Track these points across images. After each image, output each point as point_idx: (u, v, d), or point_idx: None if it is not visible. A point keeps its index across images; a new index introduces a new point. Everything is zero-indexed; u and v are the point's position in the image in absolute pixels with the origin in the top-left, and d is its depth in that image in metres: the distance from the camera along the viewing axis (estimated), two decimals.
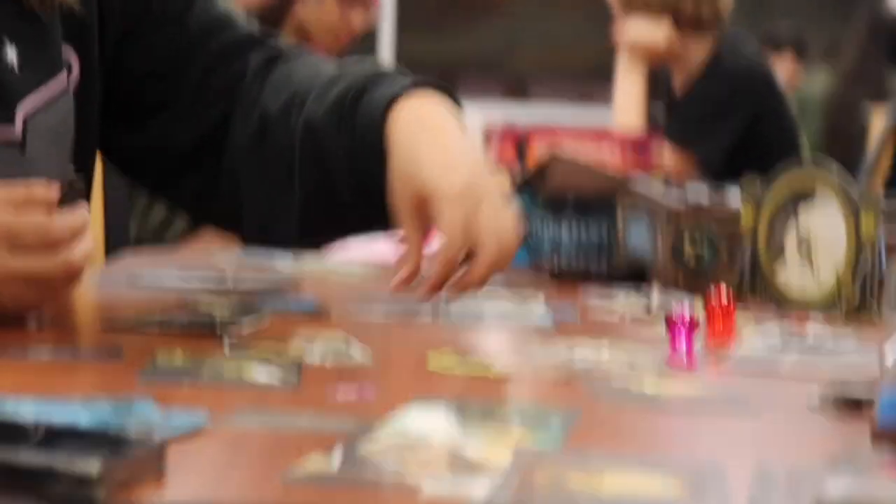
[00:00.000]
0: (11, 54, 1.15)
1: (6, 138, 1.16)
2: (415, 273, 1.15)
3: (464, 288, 1.15)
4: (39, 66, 1.18)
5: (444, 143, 1.14)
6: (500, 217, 1.13)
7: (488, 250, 1.12)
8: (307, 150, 1.21)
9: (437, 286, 1.15)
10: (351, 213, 1.23)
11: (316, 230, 1.27)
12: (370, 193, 1.17)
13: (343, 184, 1.20)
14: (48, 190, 1.04)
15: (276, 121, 1.23)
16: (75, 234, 1.05)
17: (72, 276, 1.06)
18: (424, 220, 1.14)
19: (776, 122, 3.20)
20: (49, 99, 1.18)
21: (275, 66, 1.28)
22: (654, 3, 3.21)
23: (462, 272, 1.14)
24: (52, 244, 1.04)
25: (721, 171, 3.07)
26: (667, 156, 3.05)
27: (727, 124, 3.14)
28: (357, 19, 3.20)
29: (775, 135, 3.19)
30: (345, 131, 1.18)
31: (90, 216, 1.08)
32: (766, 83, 3.22)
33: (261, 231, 1.28)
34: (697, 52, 3.22)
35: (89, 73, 1.23)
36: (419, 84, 1.18)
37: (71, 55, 1.22)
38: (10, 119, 1.15)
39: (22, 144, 1.16)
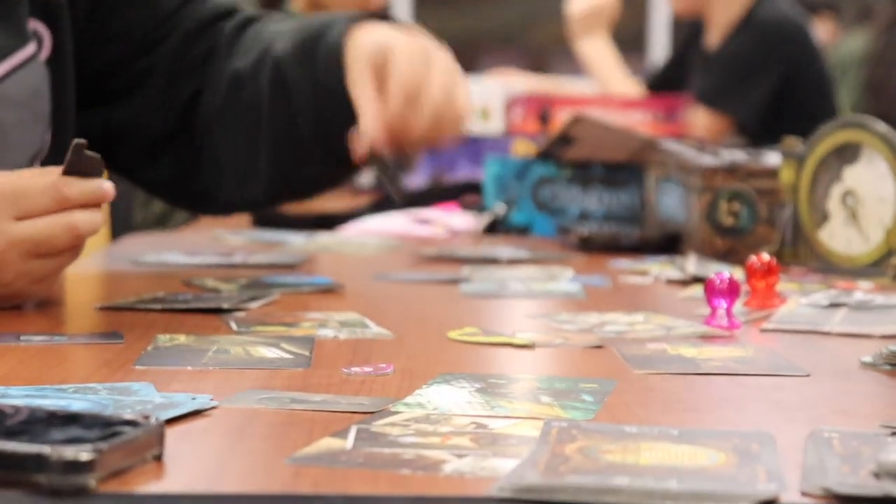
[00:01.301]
0: None
1: None
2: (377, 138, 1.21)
3: (408, 143, 1.21)
4: (4, 41, 1.18)
5: (398, 34, 1.24)
6: (452, 78, 1.21)
7: (436, 102, 1.19)
8: (276, 90, 1.28)
9: (385, 140, 1.20)
10: (313, 158, 1.29)
11: (283, 181, 1.32)
12: (330, 133, 1.25)
13: (306, 121, 1.27)
14: (52, 179, 1.03)
15: (249, 76, 1.29)
16: (86, 197, 1.03)
17: (76, 245, 1.04)
18: (381, 83, 1.21)
19: (813, 78, 3.13)
20: (16, 64, 1.19)
21: (244, 30, 1.33)
22: None
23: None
24: (61, 201, 1.02)
25: (757, 132, 3.01)
26: (699, 118, 2.99)
27: (762, 81, 3.06)
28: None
29: (812, 93, 3.12)
30: (308, 65, 1.26)
31: (110, 192, 1.04)
32: (802, 36, 3.14)
33: (238, 189, 1.32)
34: (732, 3, 3.13)
35: (61, 45, 1.24)
36: (370, 18, 1.28)
37: (41, 29, 1.23)
38: None
39: None
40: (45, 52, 1.23)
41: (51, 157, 1.22)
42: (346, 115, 1.22)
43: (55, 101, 1.23)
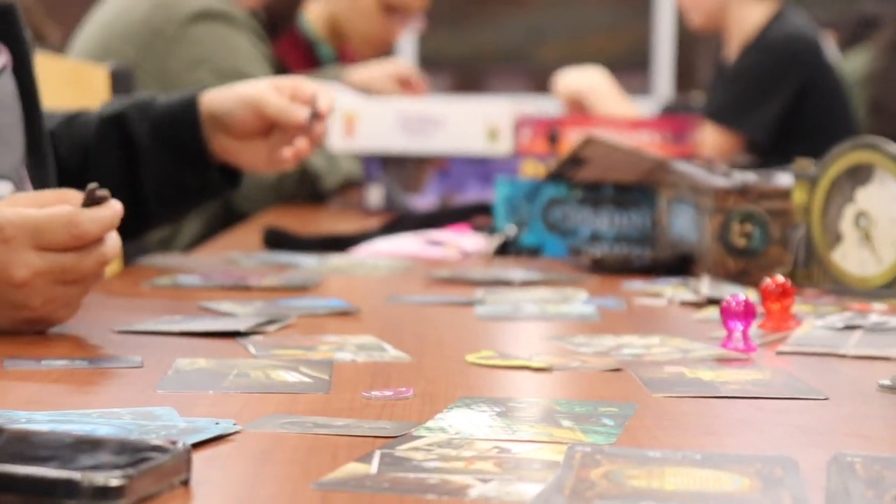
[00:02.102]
0: None
1: None
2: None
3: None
4: None
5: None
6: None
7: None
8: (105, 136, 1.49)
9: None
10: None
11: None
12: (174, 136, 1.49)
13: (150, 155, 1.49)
14: (75, 193, 1.06)
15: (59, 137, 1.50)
16: (104, 227, 1.05)
17: (100, 270, 1.06)
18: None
19: (826, 94, 3.13)
20: (0, 68, 1.27)
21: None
22: None
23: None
24: (80, 237, 1.04)
25: (769, 149, 3.01)
26: (709, 135, 2.99)
27: (774, 98, 3.06)
28: (398, 32, 3.17)
29: (825, 110, 3.11)
30: (145, 113, 1.50)
31: (119, 210, 1.07)
32: (814, 53, 3.14)
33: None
34: (752, 17, 3.14)
35: (21, 55, 1.31)
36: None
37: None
38: None
39: None
40: (7, 62, 1.29)
41: (30, 159, 1.31)
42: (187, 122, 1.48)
43: (25, 106, 1.30)
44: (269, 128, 1.51)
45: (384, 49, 3.19)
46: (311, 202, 2.55)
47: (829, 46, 3.51)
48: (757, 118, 3.05)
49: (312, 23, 3.19)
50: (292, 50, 3.01)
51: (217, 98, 1.50)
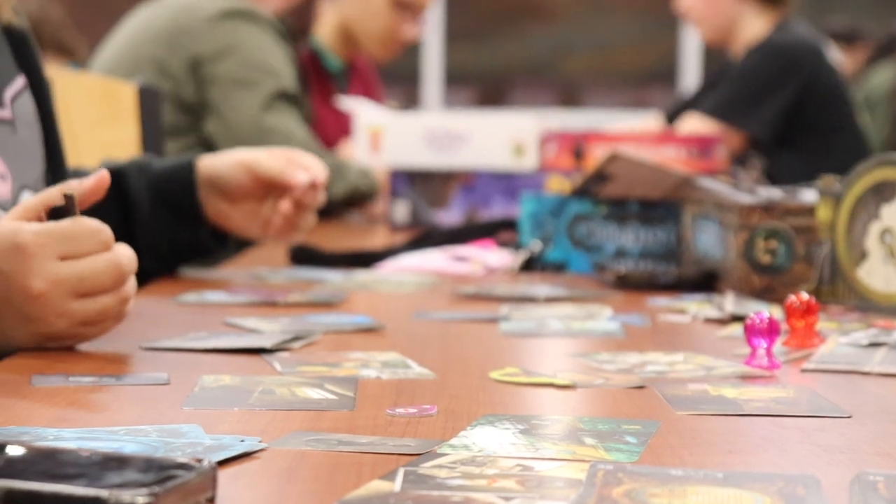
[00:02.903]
0: None
1: (2, 118, 1.26)
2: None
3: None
4: (5, 65, 1.30)
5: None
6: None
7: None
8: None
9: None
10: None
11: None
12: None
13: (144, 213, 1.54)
14: (100, 224, 1.08)
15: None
16: (133, 263, 1.10)
17: (121, 281, 1.09)
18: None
19: (829, 99, 3.16)
20: (19, 90, 1.30)
21: None
22: None
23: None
24: (122, 279, 1.08)
25: (770, 149, 3.05)
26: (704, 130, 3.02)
27: (775, 96, 3.10)
28: (409, 30, 3.19)
29: (828, 114, 3.15)
30: (144, 171, 1.55)
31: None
32: (816, 57, 3.18)
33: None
34: (757, 27, 3.19)
35: (35, 77, 1.35)
36: None
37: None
38: (1, 102, 1.27)
39: (12, 125, 1.28)
40: (25, 84, 1.33)
41: (48, 179, 1.34)
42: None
43: (43, 127, 1.34)
44: (264, 194, 1.56)
45: (395, 48, 3.22)
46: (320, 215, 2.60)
47: (833, 54, 3.53)
48: (758, 116, 3.09)
49: (321, 35, 3.22)
50: (301, 61, 3.04)
51: (214, 162, 1.56)
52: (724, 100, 3.13)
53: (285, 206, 1.57)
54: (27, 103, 1.32)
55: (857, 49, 5.45)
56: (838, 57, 4.25)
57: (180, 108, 2.58)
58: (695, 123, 3.08)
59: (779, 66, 3.12)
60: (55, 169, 1.35)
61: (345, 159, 2.62)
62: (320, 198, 1.58)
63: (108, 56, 2.68)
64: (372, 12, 3.16)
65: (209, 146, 2.57)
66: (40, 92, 1.36)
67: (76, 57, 3.75)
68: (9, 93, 1.29)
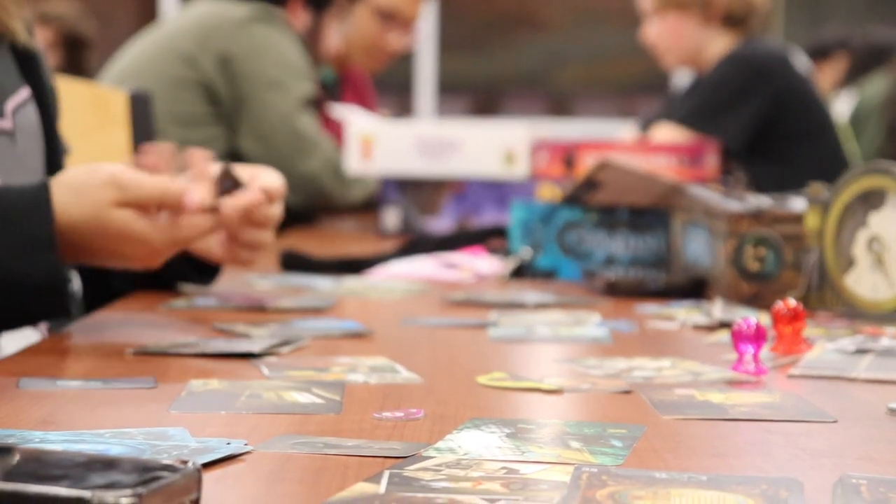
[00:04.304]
0: None
1: (1, 128, 1.28)
2: None
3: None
4: (9, 76, 1.32)
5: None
6: None
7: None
8: None
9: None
10: None
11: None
12: None
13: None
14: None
15: None
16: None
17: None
18: None
19: (802, 106, 3.18)
20: (22, 101, 1.32)
21: None
22: (687, 0, 3.21)
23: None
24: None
25: (745, 155, 3.06)
26: (676, 138, 3.02)
27: (745, 104, 3.12)
28: (395, 41, 3.21)
29: (802, 122, 3.16)
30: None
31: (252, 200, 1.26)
32: (784, 64, 3.21)
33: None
34: (720, 46, 3.21)
35: (41, 90, 1.36)
36: None
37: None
38: (1, 112, 1.28)
39: (12, 136, 1.29)
40: (29, 96, 1.34)
41: None
42: None
43: (46, 138, 1.36)
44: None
45: (383, 60, 3.26)
46: (327, 216, 2.61)
47: (800, 62, 3.55)
48: (728, 124, 3.10)
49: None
50: None
51: None
52: (695, 108, 3.15)
53: (250, 234, 1.40)
54: (30, 114, 1.33)
55: (837, 61, 5.47)
56: (810, 68, 4.28)
57: (208, 100, 2.62)
58: (667, 133, 3.09)
59: (746, 75, 3.15)
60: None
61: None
62: (276, 211, 1.40)
63: (126, 64, 2.72)
64: (357, 24, 3.19)
65: (230, 140, 2.62)
66: (45, 103, 1.36)
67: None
68: (11, 104, 1.30)
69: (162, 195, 1.22)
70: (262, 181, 1.36)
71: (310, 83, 2.68)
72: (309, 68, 2.71)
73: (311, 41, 2.86)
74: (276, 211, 1.39)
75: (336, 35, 3.17)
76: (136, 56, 2.73)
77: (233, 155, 2.56)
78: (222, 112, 2.64)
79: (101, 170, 1.22)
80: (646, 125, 3.41)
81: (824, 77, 5.26)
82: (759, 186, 2.71)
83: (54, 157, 1.38)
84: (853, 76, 5.28)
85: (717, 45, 3.22)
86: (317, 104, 2.70)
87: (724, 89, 3.14)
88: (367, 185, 2.68)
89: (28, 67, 1.35)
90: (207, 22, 2.68)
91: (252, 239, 1.40)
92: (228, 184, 1.31)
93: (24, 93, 1.33)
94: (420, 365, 1.06)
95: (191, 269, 1.48)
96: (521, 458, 0.76)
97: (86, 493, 0.61)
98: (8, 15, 1.32)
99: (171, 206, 1.23)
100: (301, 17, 2.81)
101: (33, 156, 1.33)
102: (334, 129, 3.12)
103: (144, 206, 1.22)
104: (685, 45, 3.26)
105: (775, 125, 3.14)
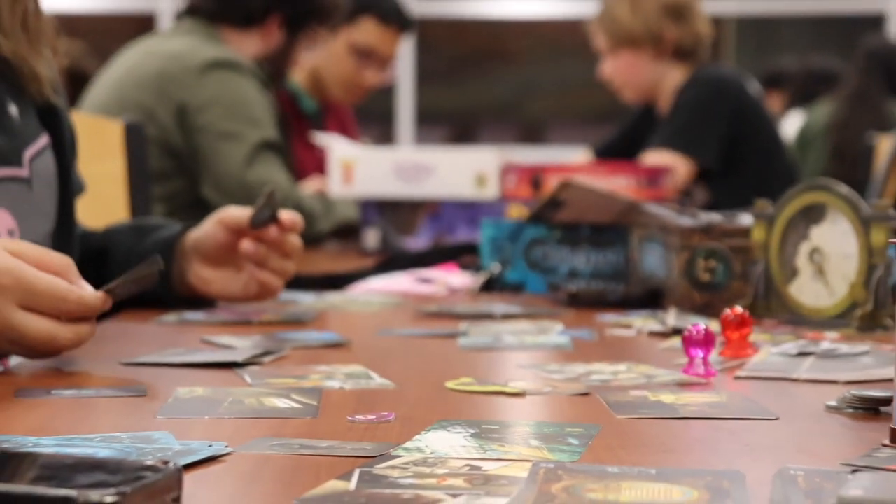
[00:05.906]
0: (14, 110, 1.27)
1: (19, 176, 1.25)
2: None
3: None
4: (29, 125, 1.28)
5: None
6: None
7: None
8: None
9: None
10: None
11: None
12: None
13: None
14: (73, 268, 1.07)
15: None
16: (90, 311, 1.06)
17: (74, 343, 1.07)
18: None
19: (756, 127, 3.19)
20: (40, 149, 1.29)
21: None
22: (639, 37, 3.21)
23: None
24: (66, 313, 1.05)
25: (719, 173, 3.07)
26: (674, 163, 3.02)
27: (716, 124, 3.13)
28: (371, 77, 3.20)
29: (758, 140, 3.18)
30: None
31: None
32: (741, 87, 3.22)
33: None
34: (675, 78, 3.22)
35: (60, 139, 1.33)
36: None
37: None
38: (20, 161, 1.25)
39: (29, 183, 1.26)
40: (48, 142, 1.31)
41: (56, 234, 1.32)
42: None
43: (60, 184, 1.32)
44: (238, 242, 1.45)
45: (358, 93, 3.25)
46: (307, 245, 2.58)
47: (753, 86, 3.58)
48: (706, 143, 3.10)
49: (297, 79, 3.22)
50: (280, 103, 3.04)
51: (197, 229, 1.47)
52: (676, 130, 3.14)
53: (265, 276, 1.45)
54: (47, 161, 1.29)
55: (785, 88, 5.51)
56: (761, 93, 4.31)
57: (168, 153, 2.55)
58: (655, 157, 3.08)
59: (709, 95, 3.15)
60: (63, 226, 1.33)
61: (329, 196, 2.61)
62: (295, 242, 1.45)
63: (96, 97, 2.65)
64: (335, 59, 3.18)
65: (195, 191, 2.55)
66: (62, 151, 1.33)
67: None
68: (29, 152, 1.26)
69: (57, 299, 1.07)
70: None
71: (264, 128, 2.57)
72: (266, 109, 2.62)
73: (279, 60, 2.80)
74: (299, 242, 1.46)
75: (305, 58, 3.15)
76: (102, 101, 2.63)
77: (198, 205, 2.50)
78: (183, 164, 2.57)
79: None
80: (599, 151, 3.42)
81: (773, 103, 5.29)
82: (720, 204, 2.72)
83: (66, 204, 1.34)
84: (798, 102, 5.32)
85: (672, 77, 3.23)
86: (277, 147, 2.61)
87: (697, 110, 3.14)
88: (334, 216, 2.61)
89: (49, 116, 1.32)
90: (168, 71, 2.56)
91: (279, 267, 1.44)
92: (266, 214, 1.33)
93: (43, 140, 1.29)
94: (393, 372, 1.06)
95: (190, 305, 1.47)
96: (483, 456, 0.76)
97: (71, 493, 0.60)
98: (40, 84, 1.28)
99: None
100: (275, 36, 2.76)
101: (48, 200, 1.30)
102: (317, 156, 3.11)
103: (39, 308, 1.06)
104: (640, 80, 3.27)
105: (736, 146, 3.15)
